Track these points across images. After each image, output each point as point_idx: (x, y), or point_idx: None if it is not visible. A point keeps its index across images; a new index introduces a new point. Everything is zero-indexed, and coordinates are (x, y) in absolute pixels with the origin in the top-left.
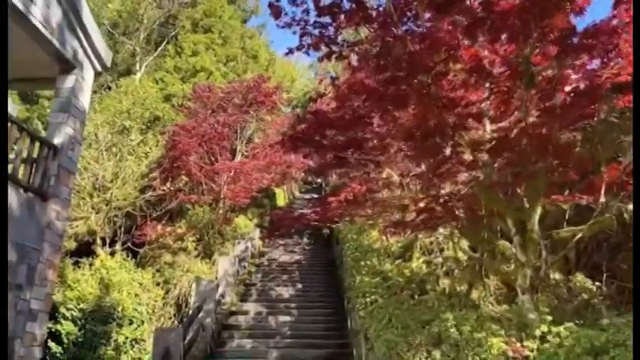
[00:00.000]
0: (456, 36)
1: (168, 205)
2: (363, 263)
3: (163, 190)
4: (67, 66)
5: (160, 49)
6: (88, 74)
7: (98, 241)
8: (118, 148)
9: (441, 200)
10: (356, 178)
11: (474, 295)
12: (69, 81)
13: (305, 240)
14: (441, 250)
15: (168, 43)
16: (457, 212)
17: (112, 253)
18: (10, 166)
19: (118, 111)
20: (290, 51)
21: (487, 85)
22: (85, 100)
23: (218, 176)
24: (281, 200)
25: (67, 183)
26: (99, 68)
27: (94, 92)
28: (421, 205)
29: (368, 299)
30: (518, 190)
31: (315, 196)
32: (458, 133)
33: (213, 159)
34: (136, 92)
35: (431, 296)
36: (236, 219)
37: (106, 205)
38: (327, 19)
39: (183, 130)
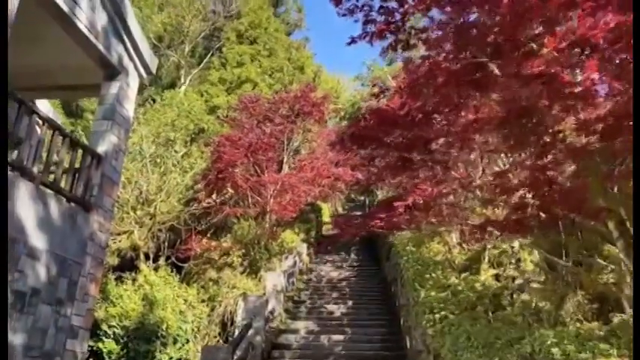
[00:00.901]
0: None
1: (213, 218)
2: (428, 276)
3: (208, 202)
4: (112, 72)
5: (204, 61)
6: (133, 81)
7: (141, 256)
8: (163, 161)
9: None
10: (422, 182)
11: (565, 309)
12: (113, 87)
13: (352, 256)
14: (518, 261)
15: (212, 55)
16: (556, 211)
17: (156, 269)
18: (51, 175)
19: (162, 123)
20: (352, 40)
21: (593, 59)
22: (129, 107)
23: (264, 189)
24: (326, 216)
25: (111, 193)
26: (144, 75)
27: (139, 105)
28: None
29: (437, 315)
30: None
31: (359, 213)
32: (560, 116)
33: (259, 171)
34: (180, 104)
35: (510, 312)
36: (282, 233)
37: (150, 219)
38: (393, 4)
39: (228, 140)
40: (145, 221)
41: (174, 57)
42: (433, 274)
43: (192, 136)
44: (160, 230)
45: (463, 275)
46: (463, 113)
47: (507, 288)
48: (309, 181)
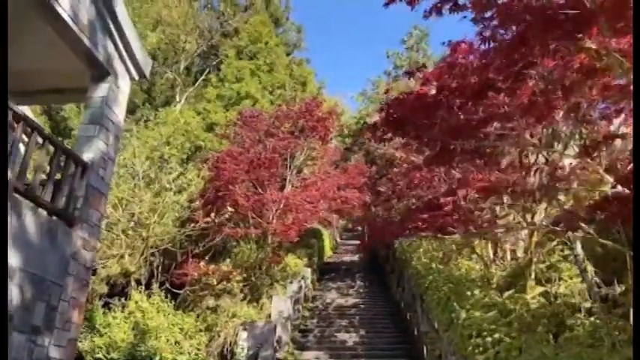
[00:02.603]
0: None
1: (211, 240)
2: (468, 294)
3: (207, 222)
4: (100, 72)
5: (201, 79)
6: (124, 83)
7: (133, 282)
8: (157, 180)
9: None
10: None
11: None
12: (102, 90)
13: (359, 282)
14: (574, 276)
15: (209, 73)
16: None
17: (149, 295)
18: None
19: (156, 140)
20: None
21: None
22: (119, 112)
23: (266, 208)
24: (327, 242)
25: (98, 206)
26: (136, 77)
27: (134, 123)
28: None
29: (488, 339)
30: None
31: (358, 242)
32: None
33: (260, 189)
34: (175, 121)
35: (578, 333)
36: (285, 258)
37: (142, 241)
38: None
39: (228, 156)
40: (137, 245)
41: (170, 74)
42: (471, 293)
43: (189, 154)
44: (152, 255)
45: (507, 294)
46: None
47: (568, 307)
48: (314, 200)
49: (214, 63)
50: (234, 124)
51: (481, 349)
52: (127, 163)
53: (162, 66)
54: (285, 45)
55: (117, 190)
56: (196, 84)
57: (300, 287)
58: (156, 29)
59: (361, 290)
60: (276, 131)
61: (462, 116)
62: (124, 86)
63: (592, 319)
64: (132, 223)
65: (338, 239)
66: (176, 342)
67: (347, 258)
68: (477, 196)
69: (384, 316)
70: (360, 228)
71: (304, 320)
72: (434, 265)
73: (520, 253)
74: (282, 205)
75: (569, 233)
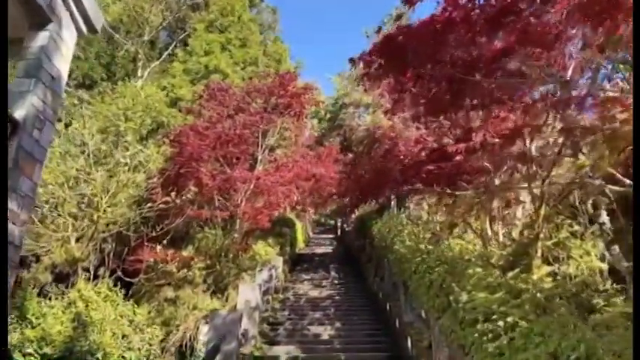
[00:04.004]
0: None
1: (170, 223)
2: (471, 271)
3: (166, 203)
4: (40, 19)
5: (166, 53)
6: (69, 35)
7: (80, 271)
8: (111, 159)
9: None
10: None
11: None
12: (41, 38)
13: (333, 274)
14: (583, 254)
15: (176, 47)
16: None
17: (97, 284)
18: None
19: (111, 114)
20: None
21: None
22: (62, 66)
23: (234, 190)
24: (300, 234)
25: (31, 174)
26: (84, 29)
27: (88, 103)
28: None
29: (500, 323)
30: None
31: (331, 236)
32: None
33: (228, 169)
34: (136, 95)
35: (606, 316)
36: (254, 246)
37: (92, 225)
38: None
39: (193, 130)
40: (86, 228)
41: (131, 47)
42: (473, 272)
43: (149, 130)
44: (105, 240)
45: (510, 274)
46: None
47: (588, 286)
48: (287, 182)
49: (181, 37)
50: (200, 97)
51: (491, 335)
52: (76, 137)
53: (125, 38)
54: (259, 26)
55: (65, 167)
56: (161, 58)
57: (271, 276)
58: (120, 0)
59: (336, 282)
60: (246, 107)
61: (476, 50)
62: (69, 38)
63: (622, 299)
64: (83, 205)
65: (311, 233)
66: (124, 336)
67: (320, 250)
68: (496, 140)
69: (362, 308)
70: (332, 222)
71: (274, 312)
72: (422, 246)
73: (516, 234)
74: (252, 187)
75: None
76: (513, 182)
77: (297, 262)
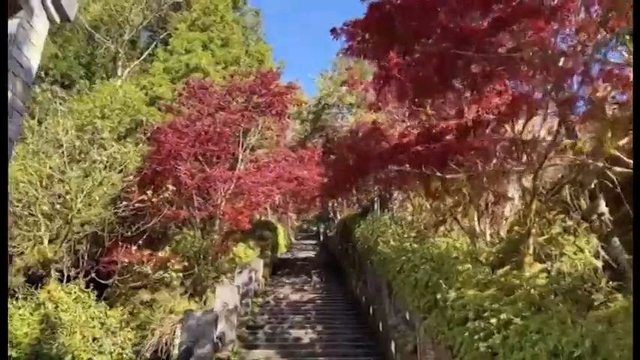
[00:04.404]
0: None
1: (147, 223)
2: (460, 268)
3: (142, 201)
4: (10, 5)
5: (146, 52)
6: (40, 23)
7: (53, 273)
8: (87, 157)
9: None
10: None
11: None
12: (10, 26)
13: (315, 278)
14: (578, 251)
15: (156, 47)
16: None
17: (67, 282)
18: None
19: (88, 111)
20: None
21: None
22: (32, 56)
23: (214, 189)
24: (282, 238)
25: None
26: (56, 18)
27: (63, 100)
28: None
29: (492, 321)
30: None
31: (314, 242)
32: None
33: (208, 168)
34: (114, 93)
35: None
36: (234, 248)
37: (66, 225)
38: None
39: (171, 128)
40: (61, 230)
41: (111, 46)
42: (461, 269)
43: (128, 128)
44: (79, 242)
45: (500, 271)
46: None
47: (585, 281)
48: (269, 182)
49: (162, 36)
50: (180, 95)
51: (482, 334)
52: (50, 134)
53: (106, 38)
54: (242, 28)
55: (38, 165)
56: (141, 57)
57: (250, 279)
58: (100, 0)
59: (318, 286)
60: (227, 105)
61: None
62: (40, 27)
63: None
64: (58, 205)
65: (293, 239)
66: (95, 339)
67: (302, 254)
68: (491, 117)
69: (344, 312)
70: (314, 228)
71: (254, 316)
72: (407, 245)
73: (504, 231)
74: (232, 186)
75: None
76: (504, 173)
77: (279, 267)
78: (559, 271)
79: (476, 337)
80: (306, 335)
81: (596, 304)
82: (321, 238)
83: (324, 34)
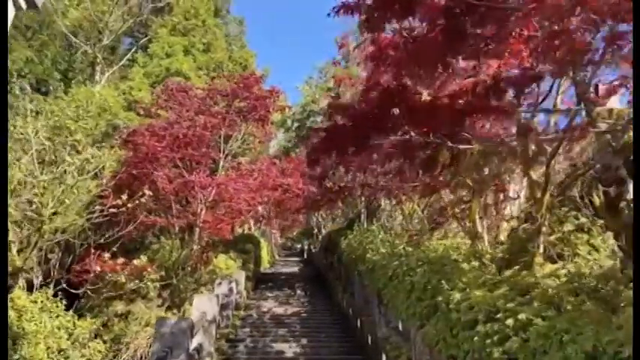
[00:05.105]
0: None
1: (122, 229)
2: (466, 266)
3: (116, 205)
4: None
5: (125, 58)
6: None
7: (21, 282)
8: (59, 161)
9: None
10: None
11: None
12: None
13: (299, 292)
14: (592, 250)
15: (136, 52)
16: None
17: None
18: None
19: (61, 114)
20: None
21: None
22: None
23: (193, 196)
24: (265, 253)
25: None
26: (22, 4)
27: (30, 100)
28: None
29: (508, 322)
30: None
31: (298, 259)
32: None
33: (187, 174)
34: (90, 96)
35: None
36: (215, 259)
37: (37, 231)
38: None
39: (148, 131)
40: (31, 237)
41: (89, 50)
42: (464, 270)
43: (104, 131)
44: (51, 250)
45: (508, 273)
46: None
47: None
48: (251, 190)
49: (142, 42)
50: (158, 98)
51: (496, 337)
52: (19, 134)
53: (85, 44)
54: (225, 37)
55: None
56: (120, 63)
57: (231, 290)
58: (79, 6)
59: (302, 299)
60: (207, 110)
61: None
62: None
63: None
64: (29, 212)
65: (277, 256)
66: (60, 350)
67: (286, 269)
68: (515, 72)
69: (330, 325)
70: (298, 246)
71: (234, 329)
72: (400, 249)
73: (504, 235)
74: (213, 193)
75: None
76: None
77: (262, 281)
78: (577, 270)
79: (488, 341)
80: (290, 349)
81: (622, 304)
82: (306, 255)
83: (309, 48)
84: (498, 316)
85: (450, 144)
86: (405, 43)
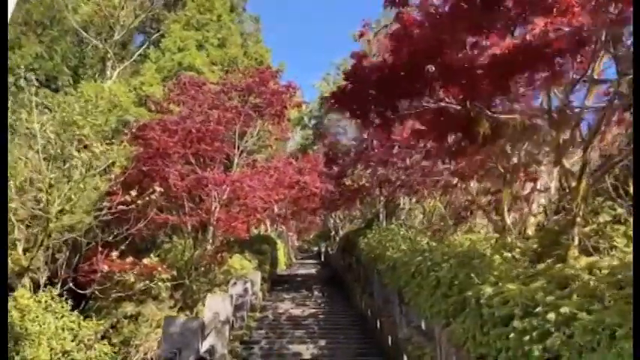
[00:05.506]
0: None
1: (132, 227)
2: (498, 258)
3: (126, 202)
4: None
5: (137, 53)
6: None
7: (26, 281)
8: (67, 157)
9: None
10: None
11: None
12: None
13: (316, 293)
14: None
15: (148, 48)
16: None
17: (36, 290)
18: None
19: (70, 108)
20: None
21: None
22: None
23: (207, 193)
24: (282, 254)
25: None
26: None
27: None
28: None
29: (550, 317)
30: None
31: (315, 261)
32: None
33: (200, 171)
34: (100, 91)
35: None
36: (230, 259)
37: (43, 230)
38: None
39: (160, 126)
40: (38, 236)
41: (100, 45)
42: (498, 258)
43: (114, 128)
44: (59, 250)
45: (540, 266)
46: None
47: None
48: (267, 188)
49: (154, 37)
50: (170, 92)
51: (535, 334)
52: (25, 129)
53: (96, 39)
54: (240, 35)
55: (15, 163)
56: (132, 58)
57: (246, 290)
58: (90, 0)
59: (320, 301)
60: (222, 104)
61: None
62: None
63: None
64: (37, 210)
65: (294, 259)
66: (65, 352)
67: (303, 271)
68: (566, 29)
69: (349, 326)
70: (315, 249)
71: (249, 331)
72: (424, 244)
73: (531, 229)
74: (227, 191)
75: None
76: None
77: (278, 282)
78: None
79: (526, 338)
80: (307, 350)
81: None
82: (323, 257)
83: (328, 37)
84: (537, 310)
85: (489, 113)
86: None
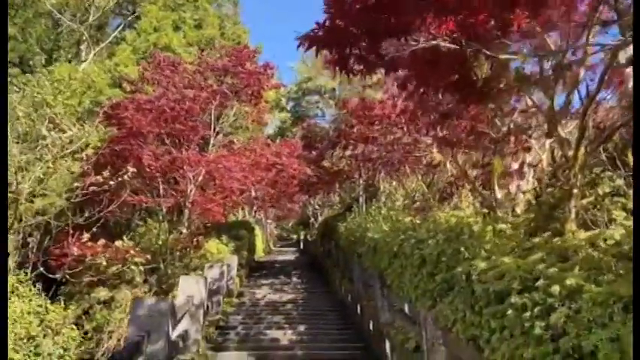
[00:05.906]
0: None
1: (104, 208)
2: (490, 229)
3: (96, 182)
4: None
5: (113, 35)
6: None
7: None
8: (37, 138)
9: None
10: None
11: None
12: None
13: (295, 279)
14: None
15: (124, 30)
16: None
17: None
18: None
19: (38, 85)
20: None
21: None
22: None
23: (182, 175)
24: (260, 241)
25: None
26: None
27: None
28: None
29: (553, 290)
30: None
31: (293, 249)
32: None
33: (175, 151)
34: (73, 72)
35: None
36: (206, 244)
37: (13, 215)
38: None
39: (133, 104)
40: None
41: (75, 28)
42: (490, 229)
43: (88, 109)
44: (30, 234)
45: (535, 240)
46: None
47: None
48: (244, 169)
49: (130, 19)
50: (145, 71)
51: (536, 310)
52: None
53: (71, 22)
54: (218, 18)
55: None
56: (107, 40)
57: (222, 274)
58: None
59: (299, 286)
60: (198, 84)
61: None
62: None
63: None
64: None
65: (272, 247)
66: (30, 338)
67: (282, 257)
68: None
69: (328, 311)
70: (294, 236)
71: (225, 316)
72: (407, 221)
73: (520, 208)
74: (203, 172)
75: None
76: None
77: (256, 269)
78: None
79: (526, 314)
80: (285, 336)
81: None
82: (302, 245)
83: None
84: (538, 284)
85: (487, 53)
86: None
